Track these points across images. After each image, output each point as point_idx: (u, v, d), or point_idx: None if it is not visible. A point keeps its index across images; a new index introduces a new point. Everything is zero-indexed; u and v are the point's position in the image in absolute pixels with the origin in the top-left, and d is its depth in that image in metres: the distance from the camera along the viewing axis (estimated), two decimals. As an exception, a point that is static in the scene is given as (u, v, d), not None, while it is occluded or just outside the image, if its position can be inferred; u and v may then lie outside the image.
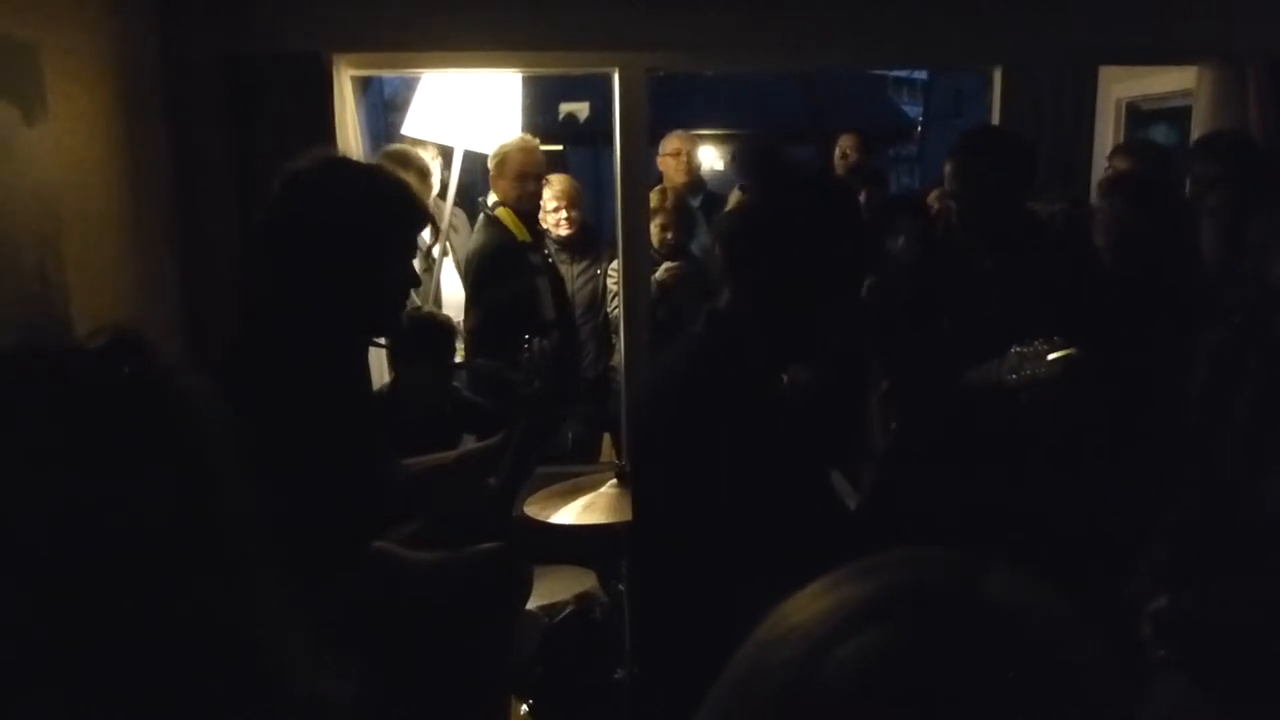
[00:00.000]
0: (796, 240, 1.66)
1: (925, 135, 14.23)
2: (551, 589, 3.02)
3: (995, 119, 3.68)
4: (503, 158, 3.89)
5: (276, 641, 0.77)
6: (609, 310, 4.27)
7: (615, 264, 3.85)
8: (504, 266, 3.81)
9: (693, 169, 4.81)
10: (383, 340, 2.34)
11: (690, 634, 1.53)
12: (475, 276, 3.87)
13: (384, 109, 8.45)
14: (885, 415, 1.97)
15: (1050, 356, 2.00)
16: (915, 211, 3.78)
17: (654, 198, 4.10)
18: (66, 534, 0.67)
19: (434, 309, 3.55)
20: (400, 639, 1.73)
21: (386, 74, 5.39)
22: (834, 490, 1.86)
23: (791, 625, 0.54)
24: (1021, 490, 2.23)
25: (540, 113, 7.75)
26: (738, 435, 1.59)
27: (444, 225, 3.93)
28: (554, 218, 4.25)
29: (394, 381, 2.97)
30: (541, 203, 4.12)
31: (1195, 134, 3.36)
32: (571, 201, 4.29)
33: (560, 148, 8.87)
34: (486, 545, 1.98)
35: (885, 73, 13.44)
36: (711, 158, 8.12)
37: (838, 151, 4.84)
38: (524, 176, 3.89)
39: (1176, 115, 4.17)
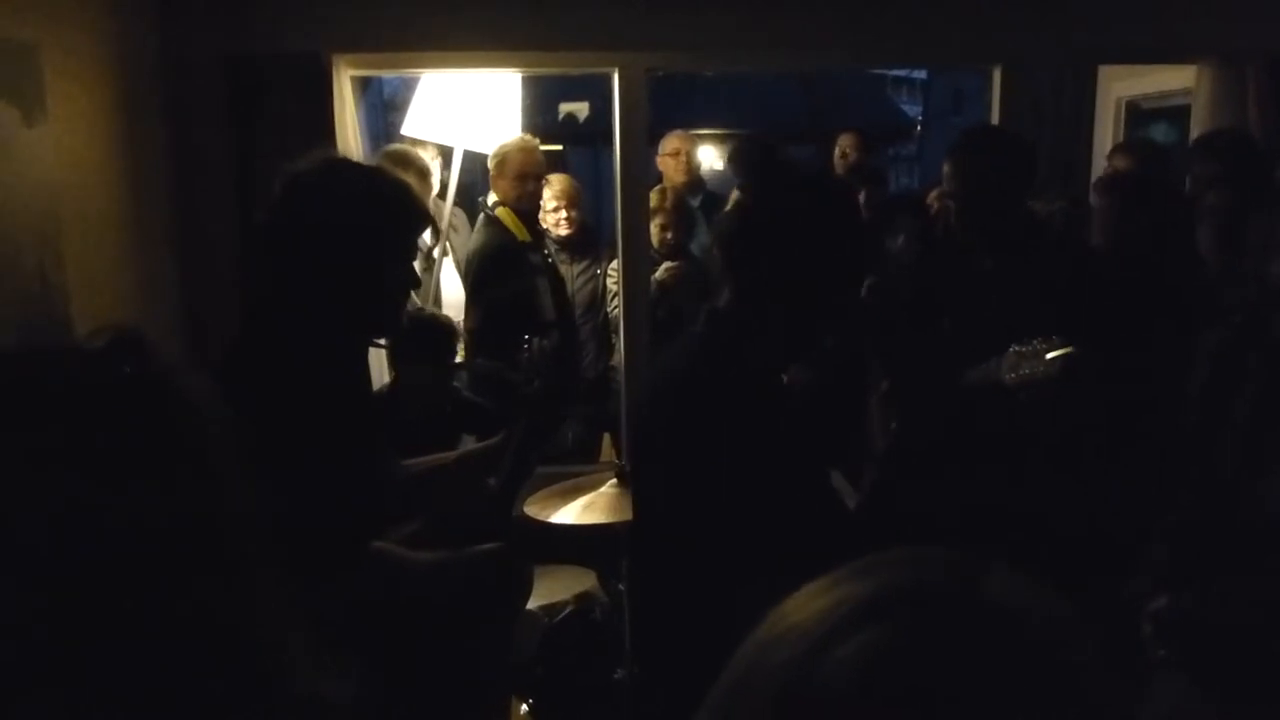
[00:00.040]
0: (796, 240, 1.66)
1: (925, 135, 14.23)
2: (551, 589, 3.03)
3: (995, 118, 3.67)
4: (503, 158, 3.89)
5: (276, 641, 0.77)
6: (609, 310, 4.27)
7: (615, 264, 3.86)
8: (504, 266, 3.81)
9: (692, 169, 4.81)
10: (383, 340, 2.34)
11: (690, 634, 1.53)
12: (475, 276, 3.87)
13: (383, 109, 8.45)
14: (885, 415, 1.97)
15: (1049, 356, 2.00)
16: (915, 211, 3.78)
17: (654, 197, 4.10)
18: (67, 534, 0.67)
19: (435, 310, 3.55)
20: (400, 639, 1.73)
21: (386, 74, 5.39)
22: (834, 490, 1.86)
23: (791, 625, 0.54)
24: (1021, 490, 2.23)
25: (540, 113, 7.75)
26: (738, 435, 1.58)
27: (444, 225, 3.93)
28: (554, 217, 4.25)
29: (394, 381, 2.97)
30: (541, 203, 4.12)
31: (1195, 133, 3.36)
32: (571, 201, 4.29)
33: (560, 148, 8.86)
34: (486, 545, 1.98)
35: (885, 72, 13.45)
36: (711, 158, 8.12)
37: (837, 151, 4.85)
38: (524, 176, 3.89)
39: (1176, 114, 4.17)
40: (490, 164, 3.94)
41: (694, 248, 4.44)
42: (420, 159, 3.55)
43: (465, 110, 3.74)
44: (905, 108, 15.00)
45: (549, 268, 4.02)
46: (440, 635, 1.87)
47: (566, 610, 2.91)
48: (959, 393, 2.22)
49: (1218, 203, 2.62)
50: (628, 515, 2.24)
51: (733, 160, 4.88)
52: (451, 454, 2.26)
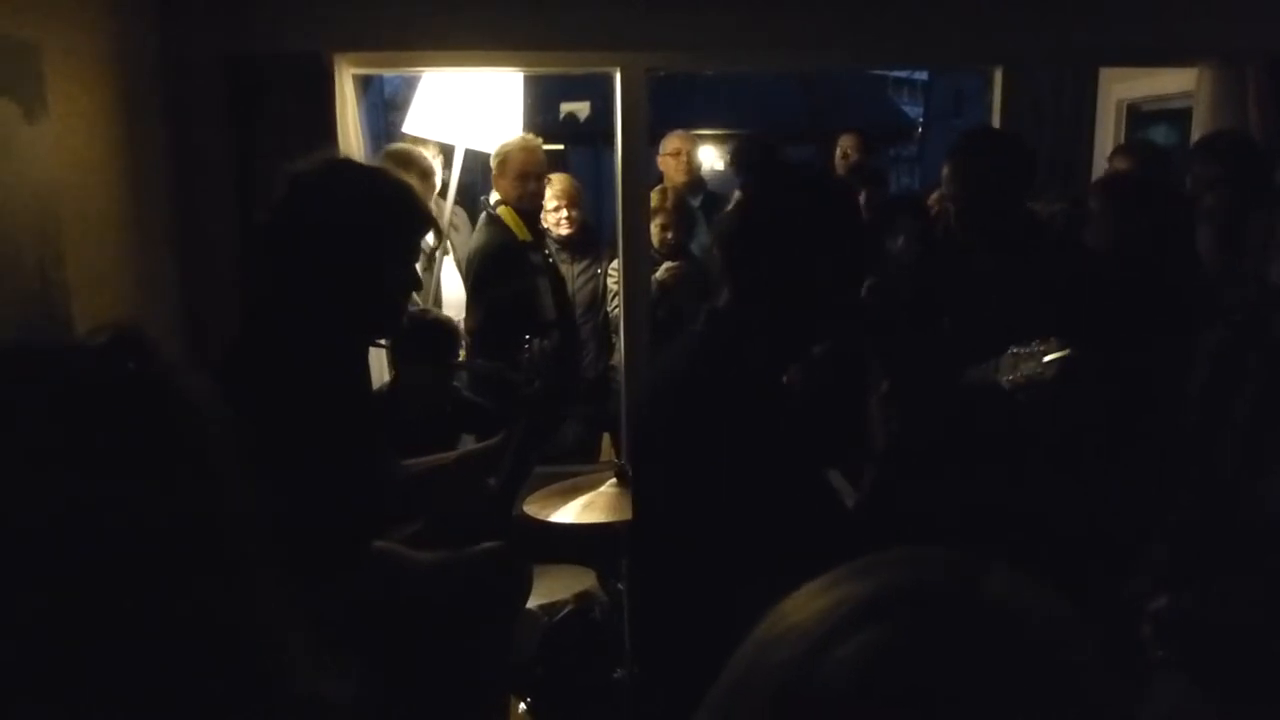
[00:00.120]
0: (796, 240, 1.66)
1: (925, 135, 14.23)
2: (551, 588, 3.02)
3: (996, 119, 3.68)
4: (504, 157, 3.89)
5: (276, 641, 0.77)
6: (609, 310, 4.27)
7: (615, 263, 3.86)
8: (505, 266, 3.81)
9: (693, 169, 4.81)
10: (383, 340, 2.34)
11: (690, 633, 1.53)
12: (476, 276, 3.87)
13: (384, 108, 8.46)
14: (885, 415, 1.97)
15: (1046, 359, 2.00)
16: (915, 211, 3.78)
17: (654, 197, 4.10)
18: (67, 533, 0.67)
19: (437, 310, 3.55)
20: (400, 639, 1.73)
21: (387, 73, 5.39)
22: (834, 490, 1.86)
23: (791, 624, 0.54)
24: (1021, 490, 2.23)
25: (541, 112, 7.76)
26: (738, 435, 1.58)
27: (444, 224, 3.93)
28: (554, 217, 4.25)
29: (394, 381, 2.97)
30: (542, 202, 4.12)
31: (1196, 135, 3.36)
32: (572, 201, 4.30)
33: (561, 147, 8.87)
34: (486, 545, 1.98)
35: (885, 73, 13.45)
36: (711, 158, 8.13)
37: (838, 151, 4.85)
38: (525, 176, 3.89)
39: (1177, 116, 4.17)
40: (492, 163, 3.94)
41: (694, 248, 4.44)
42: (423, 159, 3.55)
43: (467, 109, 3.74)
44: (906, 109, 15.01)
45: (550, 267, 4.02)
46: (440, 635, 1.87)
47: (566, 609, 2.91)
48: (959, 393, 2.22)
49: (1218, 204, 2.62)
50: (627, 515, 2.24)
51: (734, 160, 4.88)
52: (451, 454, 2.26)
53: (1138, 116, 4.33)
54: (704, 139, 6.96)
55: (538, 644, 2.79)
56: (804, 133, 10.13)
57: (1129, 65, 4.05)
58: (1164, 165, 3.36)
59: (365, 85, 4.44)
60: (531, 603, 2.70)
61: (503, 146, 3.89)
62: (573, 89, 9.33)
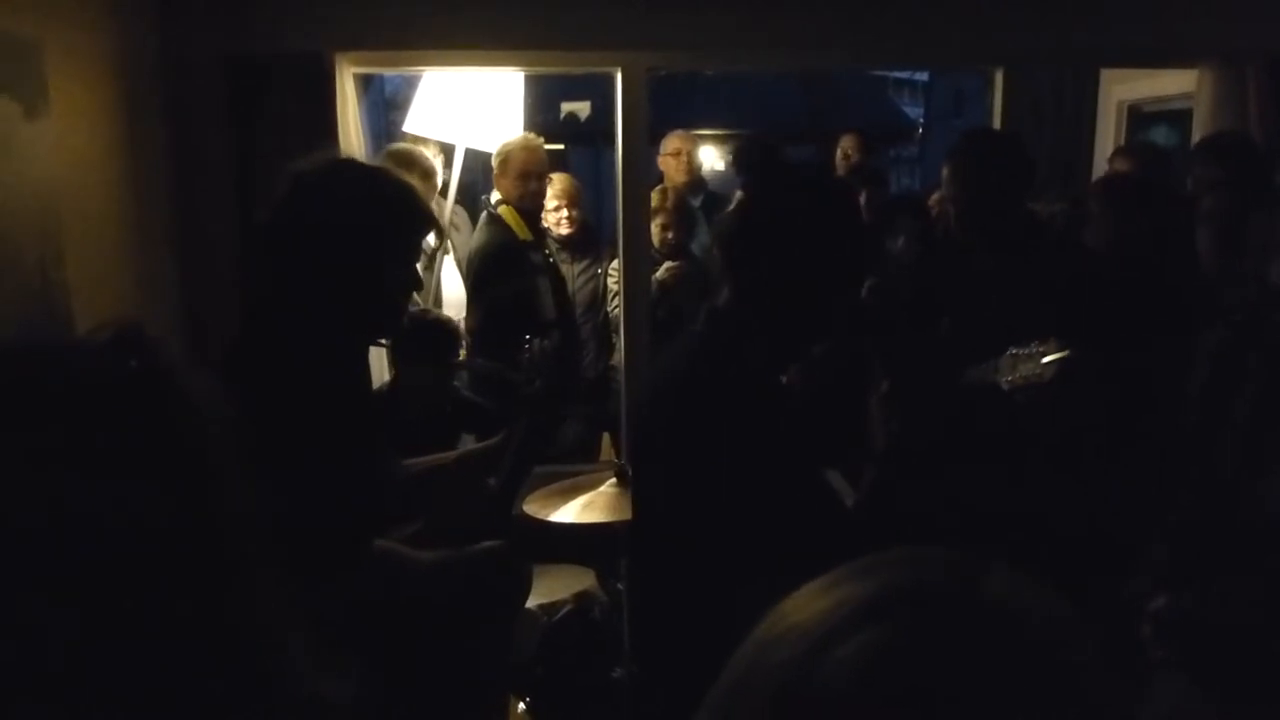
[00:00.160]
0: (796, 240, 1.66)
1: (926, 136, 14.23)
2: (551, 588, 3.02)
3: (996, 120, 3.68)
4: (506, 156, 3.89)
5: (276, 641, 0.77)
6: (609, 310, 4.27)
7: (616, 263, 3.86)
8: (506, 265, 3.81)
9: (693, 169, 4.82)
10: (384, 340, 2.34)
11: (689, 633, 1.53)
12: (477, 275, 3.87)
13: (385, 107, 8.44)
14: (885, 415, 1.97)
15: (1045, 360, 2.00)
16: (915, 212, 3.78)
17: (655, 197, 4.10)
18: (68, 531, 0.67)
19: (437, 310, 3.55)
20: (400, 639, 1.73)
21: (388, 72, 5.38)
22: (833, 490, 1.86)
23: (791, 624, 0.54)
24: (1021, 490, 2.23)
25: (541, 112, 7.76)
26: (737, 435, 1.59)
27: (445, 224, 3.93)
28: (554, 217, 4.25)
29: (394, 381, 2.97)
30: (543, 202, 4.12)
31: (1196, 136, 3.36)
32: (572, 200, 4.30)
33: (561, 147, 8.87)
34: (486, 544, 1.98)
35: (886, 74, 13.45)
36: (712, 158, 8.13)
37: (839, 152, 4.85)
38: (527, 175, 3.89)
39: (1177, 117, 4.17)
40: (494, 162, 3.94)
41: (695, 248, 4.44)
42: (425, 159, 3.54)
43: (468, 108, 3.74)
44: (907, 109, 15.01)
45: (550, 267, 4.02)
46: (440, 635, 1.87)
47: (565, 609, 2.91)
48: (959, 393, 2.22)
49: (1218, 205, 2.62)
50: (627, 514, 2.24)
51: (735, 160, 4.88)
52: (451, 454, 2.26)
53: (1138, 117, 4.33)
54: (704, 139, 6.96)
55: (537, 643, 2.79)
56: (804, 133, 10.13)
57: (1129, 66, 4.04)
58: (1164, 166, 3.36)
59: (366, 84, 4.44)
60: (531, 602, 2.70)
61: (504, 146, 3.89)
62: (573, 88, 9.34)
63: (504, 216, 3.88)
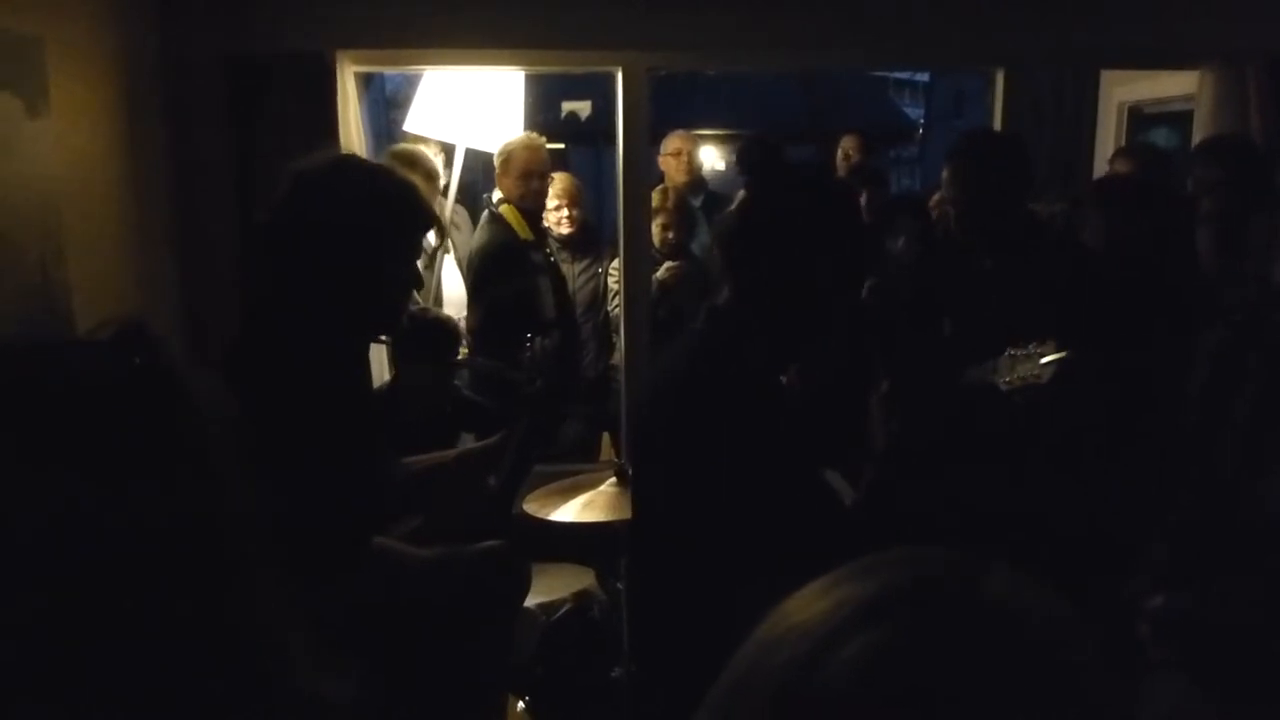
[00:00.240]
0: (796, 240, 1.66)
1: (926, 137, 14.23)
2: (550, 587, 3.02)
3: (996, 121, 3.67)
4: (508, 155, 3.88)
5: (276, 641, 0.77)
6: (610, 309, 4.27)
7: (616, 263, 3.86)
8: (506, 265, 3.81)
9: (694, 168, 4.82)
10: (384, 338, 2.34)
11: (689, 633, 1.53)
12: (477, 274, 3.87)
13: (385, 106, 8.44)
14: (885, 415, 1.97)
15: (1043, 361, 2.00)
16: (916, 212, 3.78)
17: (655, 197, 4.10)
18: (68, 531, 0.67)
19: (437, 309, 3.55)
20: (400, 639, 1.73)
21: (389, 71, 5.38)
22: (833, 490, 1.86)
23: (791, 625, 0.54)
24: (1021, 490, 2.23)
25: (542, 111, 7.76)
26: (737, 434, 1.59)
27: (446, 223, 3.93)
28: (555, 216, 4.25)
29: (394, 381, 2.97)
30: (545, 201, 4.12)
31: (1197, 137, 3.36)
32: (573, 200, 4.29)
33: (562, 146, 8.87)
34: (486, 543, 1.98)
35: (886, 74, 13.45)
36: (712, 157, 8.13)
37: (840, 152, 4.86)
38: (529, 174, 3.88)
39: (1177, 119, 4.17)
40: (496, 161, 3.94)
41: (695, 247, 4.45)
42: (428, 160, 3.54)
43: (468, 107, 3.74)
44: (907, 110, 15.01)
45: (551, 266, 4.02)
46: (440, 634, 1.87)
47: (565, 608, 2.91)
48: (958, 393, 2.22)
49: (1218, 206, 2.62)
50: (627, 514, 2.24)
51: (739, 160, 4.89)
52: (451, 453, 2.26)
53: (1139, 119, 4.33)
54: (705, 139, 6.96)
55: (536, 643, 2.79)
56: (804, 133, 10.14)
57: (1130, 67, 4.04)
58: (1165, 168, 3.36)
59: (366, 83, 4.44)
60: (530, 601, 2.70)
61: (506, 145, 3.89)
62: (574, 88, 9.35)
63: (505, 216, 3.88)
